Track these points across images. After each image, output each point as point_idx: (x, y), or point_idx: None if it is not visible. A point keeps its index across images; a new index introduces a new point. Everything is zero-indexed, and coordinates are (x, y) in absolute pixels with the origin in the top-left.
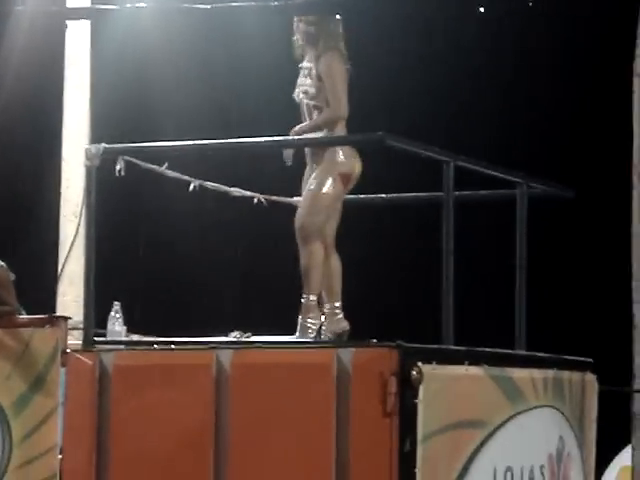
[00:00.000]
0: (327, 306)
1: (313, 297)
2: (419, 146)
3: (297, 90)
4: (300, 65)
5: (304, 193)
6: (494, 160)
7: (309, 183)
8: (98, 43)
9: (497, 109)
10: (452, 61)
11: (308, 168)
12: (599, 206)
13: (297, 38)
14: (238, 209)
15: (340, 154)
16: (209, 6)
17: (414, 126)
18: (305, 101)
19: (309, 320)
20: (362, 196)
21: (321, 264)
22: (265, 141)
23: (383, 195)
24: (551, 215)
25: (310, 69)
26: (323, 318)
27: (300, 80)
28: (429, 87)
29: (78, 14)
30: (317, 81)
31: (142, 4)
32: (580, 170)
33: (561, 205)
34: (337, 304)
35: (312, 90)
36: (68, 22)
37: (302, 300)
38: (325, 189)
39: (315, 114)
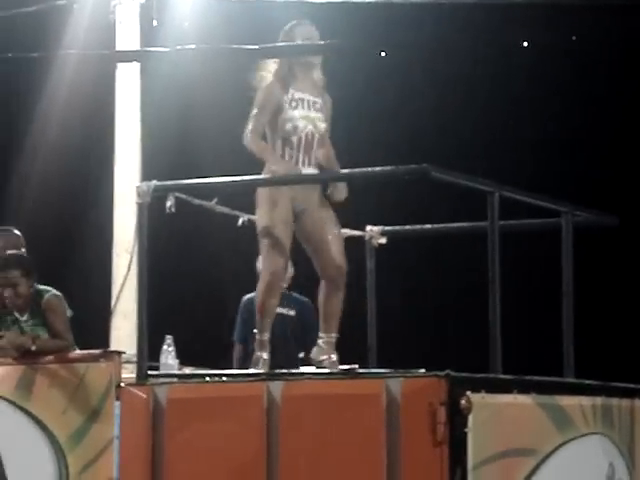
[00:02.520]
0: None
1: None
2: (463, 177)
3: (303, 121)
4: (296, 96)
5: (334, 234)
6: (538, 189)
7: (332, 225)
8: (148, 83)
9: (540, 138)
10: (495, 90)
11: (292, 203)
12: None
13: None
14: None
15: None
16: (257, 46)
17: (455, 156)
18: (316, 134)
19: (334, 357)
20: (407, 227)
21: None
22: (312, 175)
23: (428, 225)
24: (597, 242)
25: (321, 105)
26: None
27: (306, 113)
28: (471, 116)
29: (128, 57)
30: (325, 117)
31: (192, 46)
32: (624, 197)
33: (606, 232)
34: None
35: (324, 126)
36: (118, 64)
37: (332, 339)
38: None
39: (318, 150)
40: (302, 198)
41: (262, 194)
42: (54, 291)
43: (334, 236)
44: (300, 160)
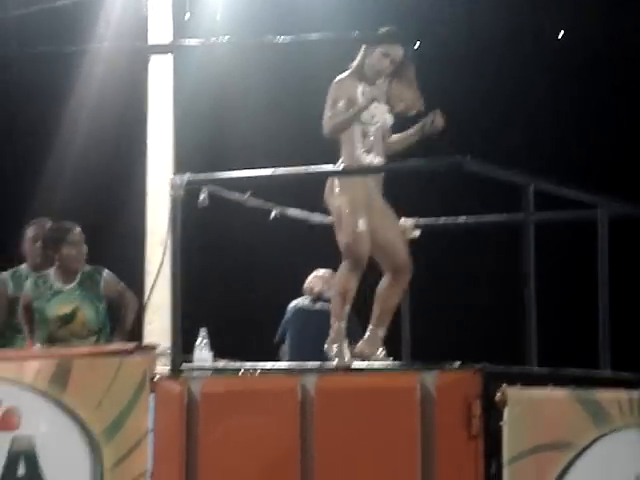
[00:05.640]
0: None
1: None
2: (497, 170)
3: (377, 111)
4: (367, 89)
5: (398, 229)
6: (573, 181)
7: (395, 219)
8: (180, 76)
9: (577, 129)
10: (529, 84)
11: (372, 195)
12: None
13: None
14: (320, 235)
15: None
16: (289, 38)
17: (490, 149)
18: (385, 127)
19: (382, 350)
20: (441, 220)
21: None
22: (351, 167)
23: (462, 218)
24: (632, 235)
25: (386, 99)
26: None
27: (378, 104)
28: (505, 110)
29: (161, 50)
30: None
31: (224, 38)
32: None
33: None
34: None
35: (390, 118)
36: (150, 56)
37: (382, 333)
38: None
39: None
40: (376, 189)
41: (341, 187)
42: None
43: (399, 231)
44: (375, 149)
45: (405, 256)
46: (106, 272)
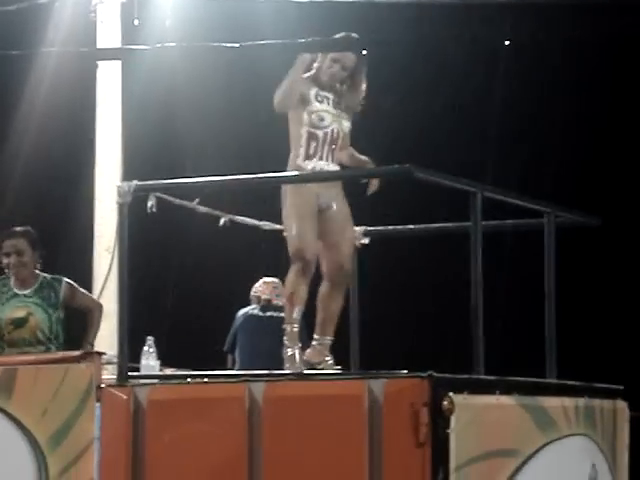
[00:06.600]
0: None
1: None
2: (446, 177)
3: (329, 116)
4: (321, 93)
5: (349, 235)
6: (521, 189)
7: (349, 225)
8: (128, 82)
9: (523, 138)
10: (477, 91)
11: (317, 199)
12: (627, 233)
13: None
14: (270, 242)
15: None
16: (238, 45)
17: (441, 157)
18: (340, 133)
19: (330, 359)
20: (390, 227)
21: None
22: (292, 175)
23: (411, 226)
24: (579, 243)
25: (345, 106)
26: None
27: (333, 110)
28: (452, 116)
29: (109, 54)
30: (349, 118)
31: (172, 43)
32: (607, 198)
33: (589, 233)
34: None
35: (348, 125)
36: (99, 62)
37: (328, 341)
38: None
39: (341, 149)
40: (327, 193)
41: (288, 194)
42: None
43: (348, 237)
44: (324, 155)
45: (346, 264)
46: (65, 281)
